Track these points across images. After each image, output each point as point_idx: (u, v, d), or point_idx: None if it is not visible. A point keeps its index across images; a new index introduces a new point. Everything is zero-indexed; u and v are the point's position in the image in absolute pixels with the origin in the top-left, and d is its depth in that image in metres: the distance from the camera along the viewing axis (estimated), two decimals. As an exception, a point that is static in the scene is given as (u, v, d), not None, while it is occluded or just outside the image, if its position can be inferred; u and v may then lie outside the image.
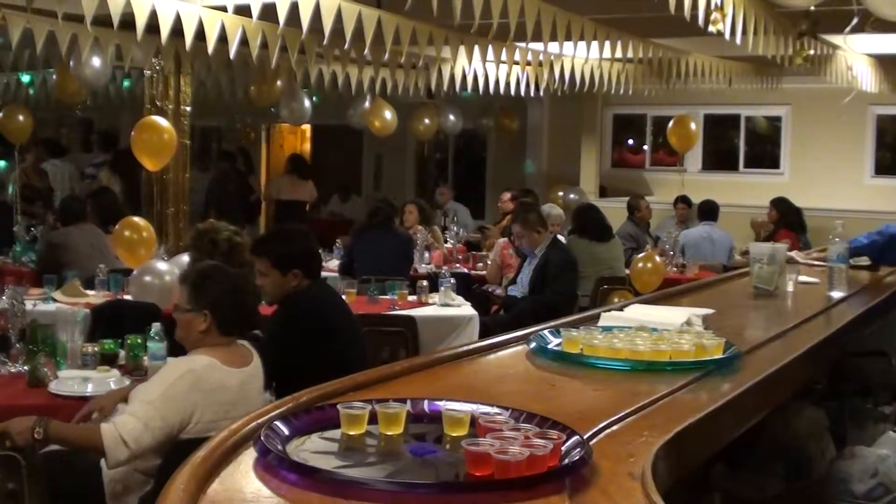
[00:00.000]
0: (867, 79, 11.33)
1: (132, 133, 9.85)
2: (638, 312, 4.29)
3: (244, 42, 7.39)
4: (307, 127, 20.20)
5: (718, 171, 17.12)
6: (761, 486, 4.16)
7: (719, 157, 17.45)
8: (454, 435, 2.53)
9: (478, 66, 9.99)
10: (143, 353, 5.84)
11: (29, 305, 6.29)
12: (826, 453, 4.44)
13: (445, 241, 12.25)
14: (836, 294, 5.36)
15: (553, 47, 7.83)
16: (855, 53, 10.52)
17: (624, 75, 11.59)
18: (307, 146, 21.08)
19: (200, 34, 7.02)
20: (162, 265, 8.05)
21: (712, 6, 6.15)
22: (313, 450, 2.45)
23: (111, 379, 5.52)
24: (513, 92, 11.22)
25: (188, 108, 11.19)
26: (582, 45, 7.99)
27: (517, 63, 9.92)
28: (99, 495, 4.77)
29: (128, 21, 6.65)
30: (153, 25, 6.73)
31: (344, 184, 17.94)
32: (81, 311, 6.57)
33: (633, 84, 11.96)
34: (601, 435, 2.63)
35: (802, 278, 5.68)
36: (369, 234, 10.23)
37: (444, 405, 2.67)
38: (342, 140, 19.11)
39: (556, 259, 9.55)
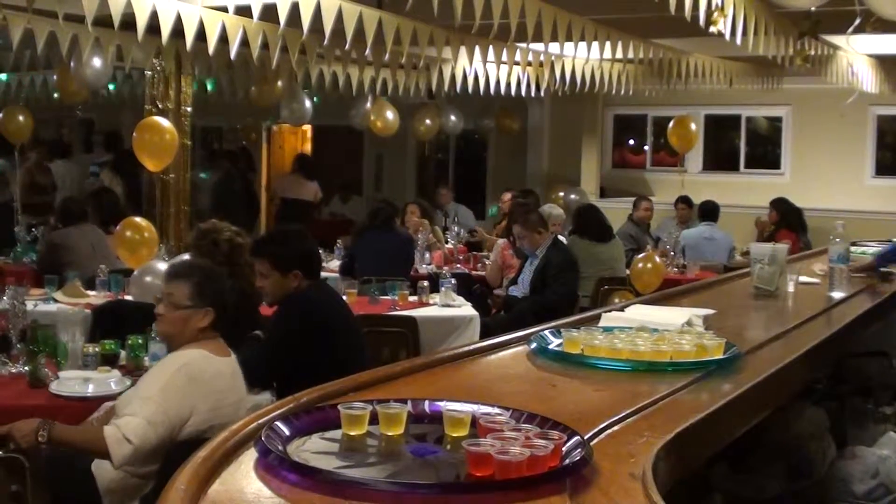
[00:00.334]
0: (868, 79, 11.33)
1: (134, 133, 9.86)
2: (639, 313, 4.29)
3: (245, 42, 7.39)
4: (308, 127, 20.18)
5: (719, 172, 17.13)
6: (762, 487, 4.16)
7: (720, 158, 17.46)
8: (455, 435, 2.53)
9: (478, 67, 9.99)
10: (143, 353, 5.85)
11: (30, 306, 6.30)
12: (827, 454, 4.44)
13: (446, 242, 12.25)
14: (837, 294, 5.36)
15: (554, 48, 7.84)
16: (856, 54, 10.52)
17: (624, 76, 11.59)
18: (308, 146, 21.07)
19: (201, 34, 7.03)
20: (163, 266, 8.04)
21: (713, 6, 6.15)
22: (314, 450, 2.45)
23: (112, 379, 5.52)
24: (513, 92, 11.21)
25: (189, 109, 11.19)
26: (582, 45, 7.98)
27: (518, 63, 9.92)
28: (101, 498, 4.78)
29: (128, 21, 6.65)
30: (154, 26, 6.73)
31: (345, 184, 17.93)
32: (82, 311, 6.57)
33: (634, 84, 11.96)
34: (602, 435, 2.63)
35: (803, 279, 5.68)
36: (370, 234, 10.22)
37: (444, 405, 2.67)
38: (343, 140, 19.10)
39: (556, 259, 9.55)
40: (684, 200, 13.95)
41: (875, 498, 4.05)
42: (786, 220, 13.08)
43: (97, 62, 10.35)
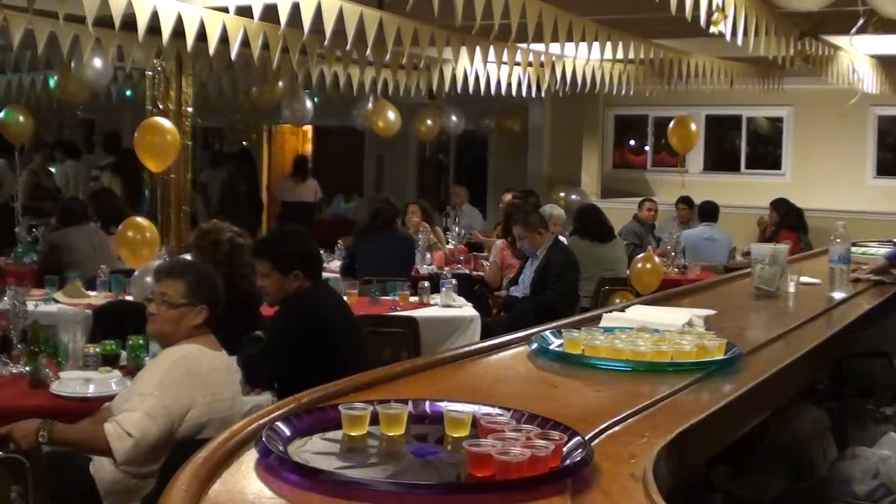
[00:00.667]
0: (869, 80, 11.33)
1: (135, 134, 9.86)
2: (639, 313, 4.28)
3: (245, 43, 7.40)
4: (308, 128, 20.19)
5: (720, 172, 17.14)
6: (763, 487, 4.16)
7: (721, 158, 17.48)
8: (456, 436, 2.53)
9: (479, 67, 10.00)
10: (144, 353, 5.85)
11: (30, 306, 6.29)
12: (827, 454, 4.44)
13: (447, 242, 12.25)
14: (838, 295, 5.35)
15: (554, 48, 7.84)
16: (857, 54, 10.52)
17: (625, 76, 11.60)
18: (309, 147, 21.08)
19: (202, 35, 7.03)
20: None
21: (713, 7, 6.15)
22: (315, 451, 2.45)
23: (113, 380, 5.52)
24: (514, 93, 11.22)
25: (190, 109, 11.19)
26: (583, 45, 7.99)
27: (518, 64, 9.92)
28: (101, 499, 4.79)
29: (129, 22, 6.65)
30: (154, 26, 6.73)
31: (346, 185, 17.95)
32: (83, 311, 6.57)
33: (635, 85, 11.97)
34: (603, 436, 2.62)
35: (804, 279, 5.68)
36: (371, 235, 10.22)
37: (445, 406, 2.67)
38: (344, 141, 19.11)
39: (557, 260, 9.56)
40: (685, 201, 13.94)
41: (876, 498, 4.05)
42: (787, 221, 13.08)
43: (98, 63, 10.35)
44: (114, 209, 10.37)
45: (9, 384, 5.58)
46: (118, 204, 10.90)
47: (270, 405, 2.89)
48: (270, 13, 6.68)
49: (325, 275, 8.44)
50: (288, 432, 2.49)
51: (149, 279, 7.81)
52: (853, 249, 5.89)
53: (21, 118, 13.64)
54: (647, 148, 18.10)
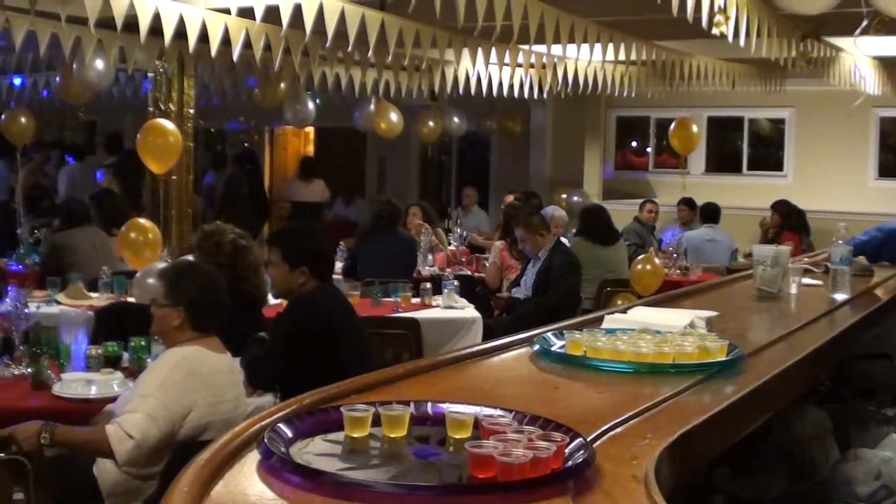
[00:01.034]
0: (871, 81, 11.33)
1: (138, 136, 9.86)
2: (641, 315, 4.28)
3: (247, 44, 7.40)
4: (310, 129, 20.19)
5: (722, 174, 17.14)
6: (764, 489, 4.16)
7: (723, 160, 17.48)
8: (457, 437, 2.53)
9: (481, 69, 10.00)
10: (146, 355, 5.86)
11: (32, 308, 6.30)
12: (829, 455, 4.44)
13: (449, 244, 12.25)
14: (840, 296, 5.35)
15: (556, 50, 7.84)
16: (859, 56, 10.52)
17: (627, 77, 11.61)
18: (310, 148, 21.08)
19: (204, 36, 7.03)
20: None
21: (715, 8, 6.16)
22: (317, 452, 2.45)
23: (115, 381, 5.53)
24: (516, 94, 11.23)
25: (191, 111, 11.19)
26: (585, 47, 7.99)
27: (520, 65, 9.93)
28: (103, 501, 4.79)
29: (131, 23, 6.66)
30: (156, 28, 6.74)
31: (348, 186, 17.95)
32: (85, 313, 6.57)
33: (637, 86, 11.98)
34: (604, 437, 2.62)
35: (806, 280, 5.68)
36: (373, 236, 10.22)
37: (447, 407, 2.67)
38: (346, 142, 19.12)
39: (559, 261, 9.56)
40: (686, 202, 13.95)
41: (878, 500, 4.04)
42: (788, 223, 13.08)
43: (100, 64, 10.36)
44: (116, 211, 10.37)
45: (11, 386, 5.59)
46: (120, 205, 10.90)
47: (272, 406, 2.89)
48: (272, 14, 6.68)
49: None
50: (290, 434, 2.49)
51: (151, 281, 7.83)
52: (855, 250, 5.89)
53: (22, 119, 13.64)
54: (648, 149, 18.10)
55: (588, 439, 2.48)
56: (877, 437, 4.68)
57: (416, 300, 8.77)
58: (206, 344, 4.95)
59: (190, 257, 6.50)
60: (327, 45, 7.18)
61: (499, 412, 2.64)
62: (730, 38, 6.60)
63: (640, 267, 10.14)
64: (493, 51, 8.81)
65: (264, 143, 20.57)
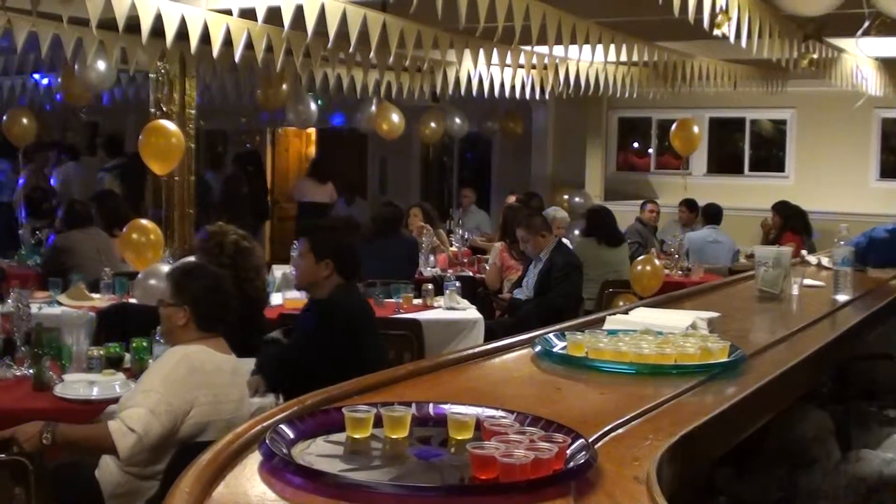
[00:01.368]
0: (872, 82, 11.33)
1: (140, 137, 9.86)
2: (643, 316, 4.28)
3: (249, 45, 7.40)
4: (312, 130, 20.19)
5: (724, 175, 17.14)
6: (766, 490, 4.16)
7: (724, 161, 17.48)
8: (459, 438, 2.53)
9: (483, 70, 10.00)
10: (148, 356, 5.86)
11: (34, 309, 6.30)
12: (831, 456, 4.43)
13: (451, 245, 12.25)
14: (842, 297, 5.35)
15: (558, 51, 7.83)
16: (861, 57, 10.51)
17: (629, 78, 11.61)
18: (312, 149, 21.08)
19: (206, 37, 7.03)
20: (167, 268, 8.04)
21: (717, 9, 6.15)
22: (318, 453, 2.45)
23: (116, 382, 5.53)
24: (518, 95, 11.23)
25: (193, 112, 11.19)
26: (587, 48, 7.98)
27: (522, 66, 9.93)
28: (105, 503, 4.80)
29: (133, 24, 6.66)
30: (158, 29, 6.74)
31: (348, 186, 17.95)
32: (86, 314, 6.57)
33: (638, 87, 11.98)
34: (606, 438, 2.62)
35: (807, 281, 5.68)
36: (375, 238, 10.22)
37: (449, 408, 2.67)
38: (347, 143, 19.11)
39: (560, 262, 9.57)
40: (686, 203, 13.95)
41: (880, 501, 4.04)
42: (790, 224, 13.05)
43: (101, 65, 10.36)
44: (117, 212, 10.37)
45: (12, 387, 5.59)
46: (122, 206, 10.90)
47: (274, 408, 2.89)
48: (274, 16, 6.69)
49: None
50: (291, 435, 2.50)
51: (152, 282, 7.85)
52: (856, 251, 5.90)
53: (24, 120, 13.65)
54: (650, 150, 18.10)
55: (590, 440, 2.48)
56: (879, 438, 4.67)
57: (417, 301, 8.77)
58: (212, 344, 4.96)
59: (192, 258, 6.50)
60: (329, 46, 7.18)
61: (500, 413, 2.64)
62: (731, 38, 6.59)
63: (639, 268, 10.14)
64: (495, 52, 8.81)
65: (266, 144, 20.56)
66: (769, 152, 17.20)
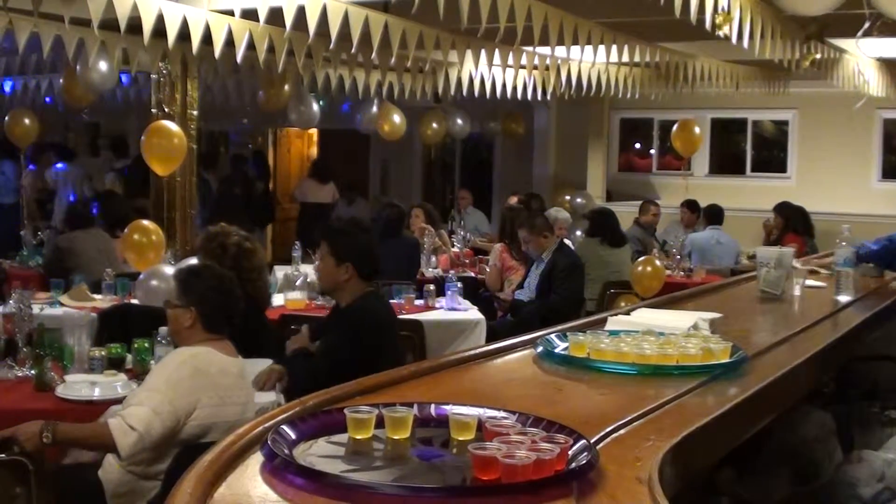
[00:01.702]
0: (874, 83, 11.32)
1: (142, 138, 9.86)
2: (645, 316, 4.28)
3: (251, 46, 7.40)
4: (314, 131, 20.19)
5: (725, 176, 17.15)
6: (768, 490, 4.16)
7: (726, 162, 17.48)
8: (461, 439, 2.53)
9: (485, 71, 10.00)
10: (150, 356, 5.86)
11: (36, 309, 6.29)
12: (833, 457, 4.43)
13: (453, 245, 12.24)
14: (843, 298, 5.35)
15: (560, 51, 7.82)
16: (862, 57, 10.51)
17: (631, 79, 11.60)
18: (314, 150, 21.09)
19: (207, 38, 7.03)
20: (169, 269, 8.04)
21: (718, 10, 6.15)
22: (320, 454, 2.45)
23: (118, 383, 5.53)
24: (520, 96, 11.22)
25: (195, 113, 11.18)
26: (589, 49, 7.99)
27: (524, 67, 9.93)
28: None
29: (134, 25, 6.66)
30: (160, 29, 6.74)
31: (349, 187, 17.95)
32: (88, 315, 6.57)
33: (640, 88, 11.97)
34: (608, 439, 2.62)
35: (809, 282, 5.68)
36: (378, 239, 10.20)
37: (450, 409, 2.67)
38: (349, 144, 19.11)
39: (562, 263, 9.57)
40: (688, 204, 13.94)
41: (881, 501, 4.04)
42: (791, 225, 13.04)
43: (103, 66, 10.36)
44: (120, 212, 10.37)
45: (14, 387, 5.59)
46: (124, 207, 10.90)
47: (276, 408, 2.89)
48: (276, 16, 6.68)
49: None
50: (293, 436, 2.50)
51: (154, 282, 7.85)
52: (859, 252, 5.89)
53: (26, 121, 13.65)
54: (652, 151, 18.10)
55: (591, 441, 2.48)
56: (881, 438, 4.67)
57: (419, 302, 8.77)
58: (218, 346, 4.96)
59: (194, 259, 6.50)
60: (331, 46, 7.18)
61: (502, 414, 2.65)
62: (733, 39, 6.59)
63: (640, 269, 10.14)
64: (497, 52, 8.80)
65: (268, 145, 20.57)
66: (771, 153, 17.20)
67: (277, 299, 8.35)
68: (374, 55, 7.50)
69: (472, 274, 11.19)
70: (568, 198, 16.31)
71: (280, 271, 9.78)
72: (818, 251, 10.78)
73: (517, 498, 2.17)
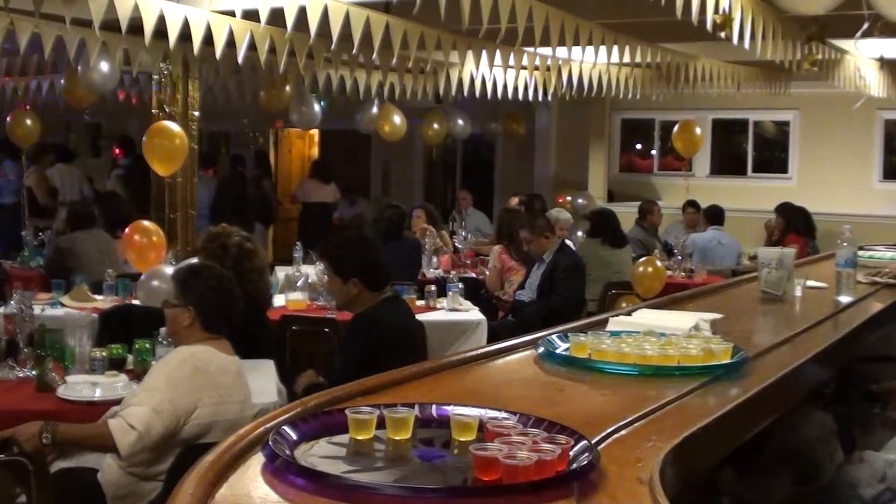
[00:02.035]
0: (875, 83, 11.32)
1: (144, 138, 9.87)
2: (646, 317, 4.28)
3: (252, 47, 7.40)
4: (315, 131, 20.20)
5: (727, 176, 17.16)
6: (769, 491, 4.16)
7: (728, 162, 17.50)
8: (462, 440, 2.53)
9: (486, 71, 10.00)
10: (151, 357, 5.86)
11: (37, 310, 6.30)
12: (834, 458, 4.43)
13: (454, 246, 12.24)
14: (845, 299, 5.34)
15: (561, 52, 7.82)
16: (863, 58, 10.51)
17: (632, 80, 11.61)
18: (315, 150, 21.10)
19: (209, 39, 7.03)
20: (170, 270, 8.04)
21: (719, 11, 6.15)
22: (321, 455, 2.45)
23: (119, 384, 5.53)
24: (521, 97, 11.22)
25: (196, 113, 11.18)
26: (590, 49, 7.99)
27: (525, 68, 9.93)
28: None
29: (136, 26, 6.66)
30: (161, 30, 6.74)
31: (350, 187, 17.96)
32: (89, 315, 6.58)
33: (641, 89, 11.97)
34: (609, 440, 2.62)
35: (810, 283, 5.67)
36: (378, 239, 10.21)
37: (452, 410, 2.67)
38: (350, 144, 19.12)
39: (564, 263, 9.57)
40: (693, 205, 13.94)
41: (883, 502, 4.04)
42: (793, 225, 13.03)
43: (104, 66, 10.36)
44: (121, 213, 10.37)
45: (15, 388, 5.59)
46: (125, 208, 10.90)
47: (277, 409, 2.89)
48: (277, 17, 6.68)
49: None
50: (294, 436, 2.50)
51: (155, 283, 7.85)
52: (860, 253, 5.89)
53: (28, 121, 13.64)
54: (653, 152, 18.10)
55: (593, 442, 2.48)
56: (882, 439, 4.67)
57: (420, 303, 8.77)
58: (217, 345, 4.96)
59: (195, 260, 6.50)
60: (332, 47, 7.18)
61: (503, 414, 2.64)
62: (735, 40, 6.59)
63: (641, 269, 10.13)
64: (498, 53, 8.80)
65: (269, 145, 20.57)
66: (772, 154, 17.22)
67: (278, 300, 8.36)
68: (375, 56, 7.50)
69: (474, 275, 11.19)
70: (569, 198, 16.31)
71: (281, 272, 9.78)
72: (819, 252, 10.78)
73: (518, 498, 2.17)
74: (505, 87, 10.83)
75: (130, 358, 6.01)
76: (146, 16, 6.56)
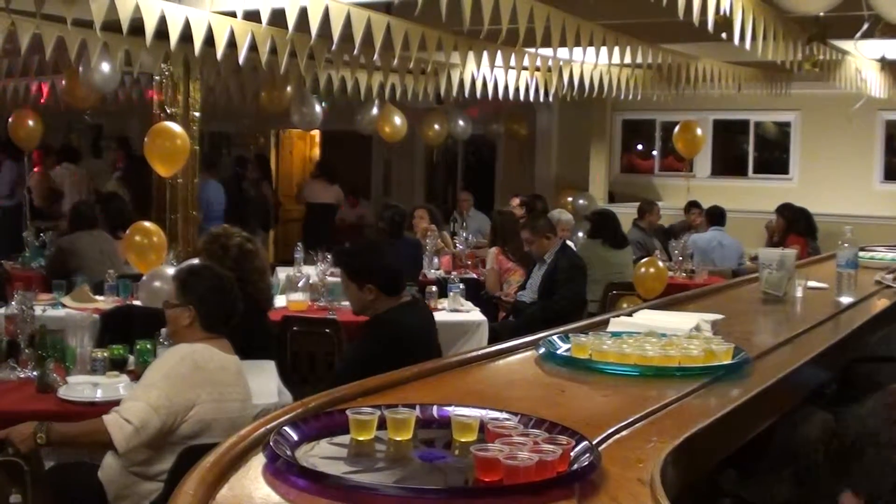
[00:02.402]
0: (876, 84, 11.32)
1: (145, 139, 9.86)
2: (647, 318, 4.28)
3: (253, 47, 7.40)
4: (316, 132, 20.19)
5: (728, 177, 17.15)
6: (770, 492, 4.16)
7: (728, 163, 17.48)
8: (463, 440, 2.53)
9: (487, 72, 10.00)
10: (152, 358, 5.85)
11: (38, 311, 6.30)
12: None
13: (455, 247, 12.24)
14: (845, 300, 5.35)
15: (562, 53, 7.82)
16: (864, 59, 10.51)
17: (633, 81, 11.60)
18: (316, 151, 21.09)
19: (210, 39, 7.03)
20: (171, 271, 8.04)
21: (720, 12, 6.15)
22: (322, 455, 2.45)
23: (120, 384, 5.53)
24: (522, 97, 11.22)
25: (197, 114, 11.18)
26: (591, 50, 7.98)
27: (526, 68, 9.92)
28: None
29: (137, 26, 6.66)
30: (162, 31, 6.74)
31: (352, 188, 17.95)
32: (90, 316, 6.58)
33: (643, 89, 11.97)
34: (610, 440, 2.63)
35: (811, 284, 5.67)
36: (379, 239, 10.21)
37: (453, 411, 2.67)
38: (352, 145, 19.11)
39: (565, 264, 9.56)
40: (696, 206, 13.93)
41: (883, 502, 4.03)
42: (794, 226, 13.02)
43: (105, 67, 10.36)
44: (122, 214, 10.36)
45: (16, 389, 5.59)
46: (126, 209, 10.89)
47: (278, 409, 2.89)
48: (278, 18, 6.68)
49: (330, 279, 8.48)
50: (295, 437, 2.50)
51: (156, 284, 7.84)
52: (861, 254, 5.89)
53: (30, 122, 13.63)
54: (654, 152, 18.10)
55: (594, 442, 2.48)
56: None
57: (421, 303, 8.76)
58: (216, 345, 4.96)
59: (195, 260, 6.50)
60: (333, 48, 7.17)
61: (504, 415, 2.65)
62: (735, 41, 6.59)
63: (643, 270, 10.12)
64: (499, 54, 8.80)
65: (270, 146, 20.56)
66: (773, 154, 17.20)
67: (280, 301, 8.35)
68: (376, 56, 7.51)
69: (475, 275, 11.19)
70: (570, 199, 16.30)
71: (282, 273, 9.78)
72: (820, 253, 10.78)
73: (519, 499, 2.17)
74: (506, 87, 10.83)
75: (131, 359, 6.01)
76: (147, 16, 6.56)
